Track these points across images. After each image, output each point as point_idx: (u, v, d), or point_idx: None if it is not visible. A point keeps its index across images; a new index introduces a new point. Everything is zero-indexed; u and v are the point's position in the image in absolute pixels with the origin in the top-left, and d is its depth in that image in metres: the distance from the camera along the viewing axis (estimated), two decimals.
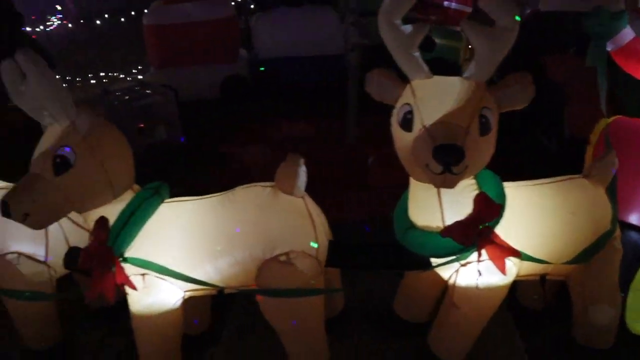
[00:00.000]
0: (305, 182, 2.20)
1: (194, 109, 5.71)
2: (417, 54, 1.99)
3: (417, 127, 1.92)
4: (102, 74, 6.92)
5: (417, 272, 2.43)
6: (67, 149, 2.07)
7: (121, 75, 6.86)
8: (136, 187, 2.30)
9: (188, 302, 2.39)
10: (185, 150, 4.83)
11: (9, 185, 2.64)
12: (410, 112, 1.95)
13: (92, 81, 6.82)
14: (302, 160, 2.16)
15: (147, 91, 4.94)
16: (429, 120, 1.89)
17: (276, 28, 6.23)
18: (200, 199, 2.32)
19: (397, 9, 1.94)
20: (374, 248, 2.32)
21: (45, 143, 2.14)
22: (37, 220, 2.07)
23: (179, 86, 5.69)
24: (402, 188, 2.25)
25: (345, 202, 3.78)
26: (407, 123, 1.95)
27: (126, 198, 2.22)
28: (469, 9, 6.66)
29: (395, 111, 2.03)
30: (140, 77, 6.87)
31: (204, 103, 6.00)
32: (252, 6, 7.23)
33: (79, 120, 2.12)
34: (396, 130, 2.01)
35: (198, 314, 2.72)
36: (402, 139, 1.98)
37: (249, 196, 2.24)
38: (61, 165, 2.05)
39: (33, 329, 2.63)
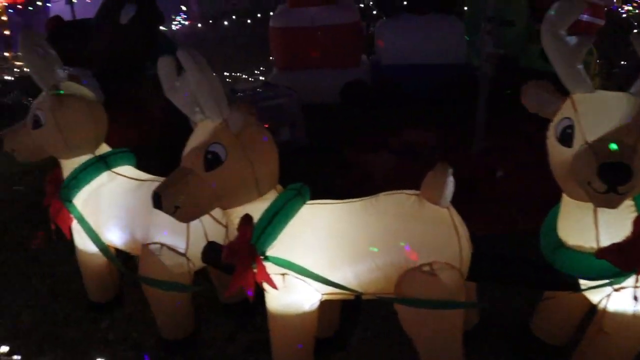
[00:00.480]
0: (452, 193, 2.15)
1: (314, 112, 5.76)
2: (580, 66, 1.90)
3: (578, 142, 1.83)
4: (225, 73, 7.10)
5: (563, 293, 2.32)
6: (219, 146, 2.12)
7: (244, 76, 7.01)
8: (279, 187, 2.32)
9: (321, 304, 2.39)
10: (308, 152, 4.87)
11: (154, 177, 2.75)
12: (571, 127, 1.86)
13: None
14: (450, 171, 2.12)
15: (273, 92, 5.02)
16: (592, 136, 1.80)
17: (400, 35, 6.20)
18: (342, 202, 2.31)
19: (563, 20, 1.86)
20: (518, 263, 2.23)
21: (196, 139, 2.20)
22: (186, 213, 2.13)
23: (300, 89, 5.75)
24: (533, 201, 2.15)
25: (471, 214, 3.68)
26: (566, 138, 1.87)
27: (270, 197, 2.24)
28: (601, 22, 6.38)
29: (552, 125, 1.94)
30: (262, 78, 7.01)
31: (323, 106, 6.04)
32: (374, 12, 7.23)
33: (231, 118, 2.16)
34: (553, 145, 1.93)
35: (328, 317, 2.71)
36: (560, 154, 1.89)
37: (393, 203, 2.21)
38: (212, 161, 2.10)
39: (170, 318, 2.70)
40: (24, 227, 4.07)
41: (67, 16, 8.40)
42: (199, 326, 2.87)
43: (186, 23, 10.80)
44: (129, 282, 3.10)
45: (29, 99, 6.08)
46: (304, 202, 2.31)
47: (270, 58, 6.79)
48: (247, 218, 2.20)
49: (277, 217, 2.22)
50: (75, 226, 2.82)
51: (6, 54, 6.90)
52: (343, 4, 6.30)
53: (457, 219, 2.21)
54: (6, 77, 6.12)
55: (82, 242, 2.86)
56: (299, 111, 4.97)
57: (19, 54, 7.20)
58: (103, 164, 2.80)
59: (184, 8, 11.23)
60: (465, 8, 6.63)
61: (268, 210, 2.22)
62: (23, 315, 3.14)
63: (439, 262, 2.11)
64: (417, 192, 2.20)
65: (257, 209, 2.22)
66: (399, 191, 2.24)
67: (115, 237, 2.73)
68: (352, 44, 6.18)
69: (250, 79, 7.07)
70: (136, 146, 3.61)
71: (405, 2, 6.24)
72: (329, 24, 5.99)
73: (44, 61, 2.75)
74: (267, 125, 5.02)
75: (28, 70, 2.76)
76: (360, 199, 2.31)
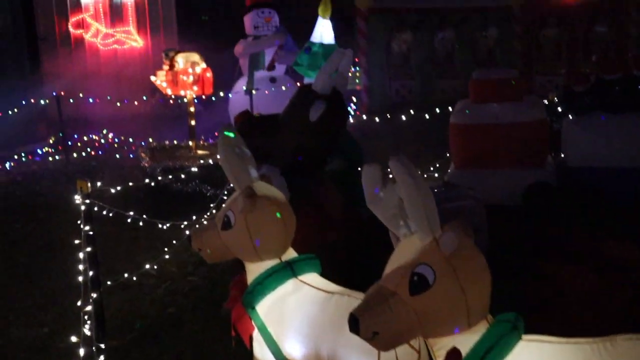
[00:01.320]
0: None
1: (494, 215, 5.38)
2: None
3: None
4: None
5: None
6: (428, 268, 1.92)
7: (424, 175, 6.82)
8: (489, 317, 2.03)
9: None
10: (490, 260, 4.48)
11: (342, 289, 2.55)
12: None
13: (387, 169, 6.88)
14: None
15: (454, 193, 4.74)
16: None
17: (594, 135, 5.76)
18: (566, 342, 1.96)
19: None
20: None
21: (401, 257, 2.02)
22: (385, 341, 1.93)
23: (479, 188, 5.43)
24: None
25: None
26: None
27: (480, 329, 1.97)
28: None
29: None
30: (436, 174, 6.78)
31: (503, 209, 5.64)
32: (559, 109, 6.82)
33: (444, 237, 1.95)
34: None
35: None
36: None
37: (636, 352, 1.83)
38: (419, 284, 1.91)
39: None
40: (198, 321, 4.03)
41: (245, 106, 8.83)
42: None
43: (355, 114, 10.91)
44: None
45: (208, 187, 6.29)
46: (519, 338, 1.98)
47: (447, 154, 6.56)
48: (455, 353, 1.92)
49: (490, 355, 1.91)
50: (256, 335, 2.67)
51: (190, 142, 7.22)
52: (529, 100, 5.98)
53: None
54: (188, 165, 6.36)
55: (261, 352, 2.69)
56: (484, 216, 4.62)
57: (202, 143, 7.64)
58: (289, 270, 2.66)
59: (354, 99, 11.40)
60: None
61: (479, 345, 1.93)
62: None
63: None
64: None
65: (465, 341, 1.94)
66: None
67: (296, 351, 2.55)
68: (538, 143, 5.80)
69: (424, 175, 6.86)
70: (317, 247, 3.47)
71: (598, 101, 5.80)
72: (514, 121, 5.68)
73: (240, 160, 2.70)
74: None
75: (221, 165, 2.71)
76: (588, 339, 1.94)
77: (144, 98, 10.01)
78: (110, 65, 11.24)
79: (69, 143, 8.86)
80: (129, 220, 4.39)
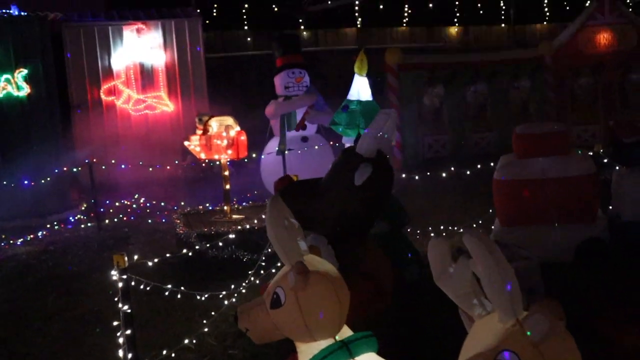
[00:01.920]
0: None
1: (546, 273, 5.11)
2: None
3: None
4: (441, 227, 6.72)
5: None
6: (513, 355, 1.70)
7: (460, 230, 6.56)
8: None
9: None
10: None
11: None
12: None
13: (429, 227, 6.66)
14: None
15: (507, 254, 4.48)
16: None
17: None
18: None
19: None
20: None
21: (478, 341, 1.81)
22: None
23: (528, 246, 5.17)
24: None
25: None
26: None
27: None
28: None
29: None
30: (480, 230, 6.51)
31: (555, 266, 5.36)
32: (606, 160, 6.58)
33: (531, 321, 1.72)
34: None
35: None
36: None
37: None
38: None
39: None
40: None
41: (278, 167, 8.71)
42: None
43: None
44: None
45: (245, 253, 6.10)
46: None
47: (490, 211, 6.31)
48: None
49: None
50: None
51: (225, 207, 7.07)
52: (577, 153, 5.75)
53: None
54: (224, 231, 6.20)
55: None
56: (540, 278, 4.37)
57: (236, 206, 7.49)
58: (346, 351, 2.43)
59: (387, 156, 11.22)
60: None
61: None
62: None
63: None
64: None
65: None
66: None
67: None
68: (588, 198, 5.54)
69: (458, 229, 6.61)
70: (368, 320, 3.25)
71: None
72: (562, 175, 5.44)
73: (289, 234, 2.51)
74: None
75: (270, 239, 2.52)
76: None
77: (176, 162, 9.96)
78: (142, 130, 11.27)
79: (101, 210, 8.79)
80: (166, 293, 4.20)
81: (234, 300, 5.00)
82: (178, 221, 6.80)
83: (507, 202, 5.69)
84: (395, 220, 4.94)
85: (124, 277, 3.31)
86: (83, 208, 9.45)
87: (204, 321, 4.66)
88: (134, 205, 9.58)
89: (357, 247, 3.65)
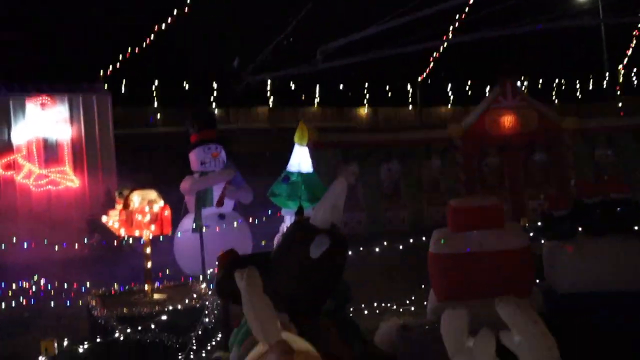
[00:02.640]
0: None
1: None
2: None
3: None
4: (374, 304, 6.51)
5: None
6: None
7: (393, 307, 6.39)
8: None
9: None
10: None
11: None
12: None
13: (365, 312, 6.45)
14: None
15: None
16: None
17: (575, 260, 5.55)
18: None
19: None
20: None
21: None
22: None
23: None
24: None
25: None
26: None
27: None
28: None
29: None
30: (412, 308, 6.37)
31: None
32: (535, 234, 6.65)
33: None
34: None
35: None
36: None
37: None
38: None
39: None
40: None
41: (195, 244, 8.31)
42: None
43: None
44: None
45: (169, 335, 5.63)
46: None
47: (422, 286, 6.20)
48: None
49: None
50: None
51: (146, 287, 6.59)
52: (511, 227, 5.77)
53: None
54: (148, 312, 5.73)
55: None
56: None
57: (158, 286, 7.01)
58: None
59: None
60: None
61: None
62: None
63: None
64: None
65: None
66: None
67: None
68: (523, 272, 5.53)
69: (400, 310, 6.44)
70: None
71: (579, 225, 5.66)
72: (499, 249, 5.41)
73: (270, 308, 2.23)
74: None
75: (245, 313, 2.22)
76: None
77: (85, 241, 9.34)
78: (43, 206, 10.58)
79: None
80: None
81: None
82: (94, 303, 6.24)
83: (444, 276, 5.58)
84: (340, 296, 4.70)
85: None
86: None
87: None
88: (34, 288, 8.81)
89: (317, 325, 3.37)
